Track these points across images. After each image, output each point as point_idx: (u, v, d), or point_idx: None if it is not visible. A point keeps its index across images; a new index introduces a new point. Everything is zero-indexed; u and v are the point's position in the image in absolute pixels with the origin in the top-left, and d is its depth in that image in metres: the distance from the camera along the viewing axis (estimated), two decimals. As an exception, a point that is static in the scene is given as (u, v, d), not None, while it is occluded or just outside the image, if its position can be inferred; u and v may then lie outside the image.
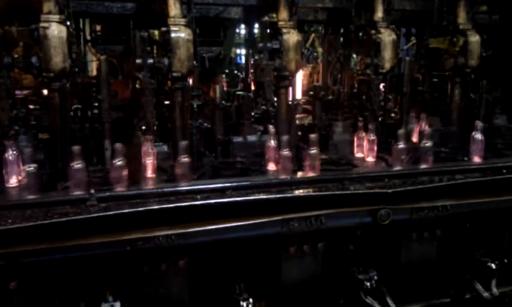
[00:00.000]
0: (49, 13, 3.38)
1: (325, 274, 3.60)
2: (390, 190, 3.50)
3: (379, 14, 4.31)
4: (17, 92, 4.20)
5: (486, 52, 4.71)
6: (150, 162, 3.44)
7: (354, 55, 4.90)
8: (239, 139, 4.05)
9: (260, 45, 3.98)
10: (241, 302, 3.30)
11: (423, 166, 3.89)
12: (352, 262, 3.71)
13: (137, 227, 3.00)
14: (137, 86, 3.75)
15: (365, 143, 4.00)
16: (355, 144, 4.12)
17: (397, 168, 3.84)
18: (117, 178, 3.24)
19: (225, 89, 5.45)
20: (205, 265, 3.44)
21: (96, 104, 3.95)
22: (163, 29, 3.65)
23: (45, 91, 3.78)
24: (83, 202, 3.00)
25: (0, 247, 2.73)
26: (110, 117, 3.77)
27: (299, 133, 4.35)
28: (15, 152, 3.20)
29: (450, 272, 4.00)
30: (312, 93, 4.63)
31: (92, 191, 3.02)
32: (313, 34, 7.28)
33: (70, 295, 3.16)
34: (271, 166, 3.68)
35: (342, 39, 5.17)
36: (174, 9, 3.64)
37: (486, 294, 3.85)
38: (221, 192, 3.28)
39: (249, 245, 3.43)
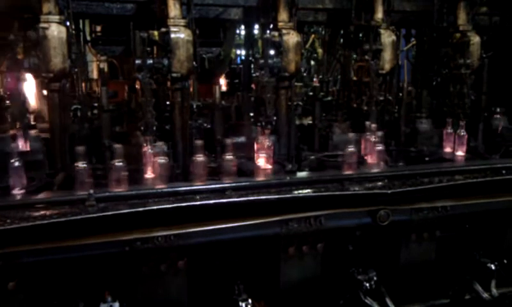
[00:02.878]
0: (49, 13, 3.39)
1: (324, 275, 3.60)
2: (389, 191, 3.50)
3: (379, 15, 4.31)
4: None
5: (486, 53, 4.71)
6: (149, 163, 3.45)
7: (354, 56, 4.90)
8: (239, 139, 4.04)
9: (262, 61, 3.98)
10: (240, 303, 3.30)
11: (422, 167, 3.89)
12: (351, 263, 3.70)
13: (136, 227, 3.01)
14: (136, 86, 3.75)
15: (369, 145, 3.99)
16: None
17: (397, 169, 3.84)
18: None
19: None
20: (204, 265, 3.44)
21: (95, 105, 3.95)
22: (163, 29, 3.65)
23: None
24: (82, 202, 3.00)
25: (-1, 247, 2.74)
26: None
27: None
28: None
29: (450, 273, 4.00)
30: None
31: (91, 191, 3.02)
32: (313, 36, 7.28)
33: (68, 296, 3.15)
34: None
35: (341, 40, 5.17)
36: (174, 10, 3.64)
37: (485, 295, 3.85)
38: (221, 192, 3.29)
39: (248, 245, 3.43)
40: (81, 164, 3.16)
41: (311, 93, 5.64)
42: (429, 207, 3.62)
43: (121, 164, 3.19)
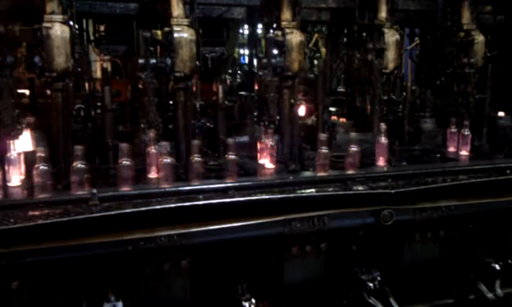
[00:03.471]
0: (52, 13, 3.38)
1: (328, 275, 3.59)
2: (393, 191, 3.50)
3: (383, 14, 4.30)
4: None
5: (490, 52, 4.70)
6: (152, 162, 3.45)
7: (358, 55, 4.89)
8: (241, 139, 4.04)
9: (265, 61, 3.98)
10: (243, 303, 3.29)
11: (426, 166, 3.88)
12: (355, 262, 3.69)
13: (139, 227, 3.01)
14: (139, 85, 3.75)
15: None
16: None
17: (401, 168, 3.83)
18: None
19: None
20: (208, 265, 3.44)
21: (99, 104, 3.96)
22: (166, 29, 3.65)
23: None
24: (85, 202, 3.00)
25: (2, 246, 2.74)
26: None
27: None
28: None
29: (454, 273, 3.98)
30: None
31: (94, 191, 3.03)
32: (316, 35, 7.27)
33: (72, 295, 3.16)
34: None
35: (345, 39, 5.16)
36: (177, 10, 3.64)
37: (489, 295, 3.83)
38: (224, 192, 3.29)
39: (251, 245, 3.43)
40: (42, 166, 3.12)
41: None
42: (432, 207, 3.61)
43: (83, 166, 3.17)
